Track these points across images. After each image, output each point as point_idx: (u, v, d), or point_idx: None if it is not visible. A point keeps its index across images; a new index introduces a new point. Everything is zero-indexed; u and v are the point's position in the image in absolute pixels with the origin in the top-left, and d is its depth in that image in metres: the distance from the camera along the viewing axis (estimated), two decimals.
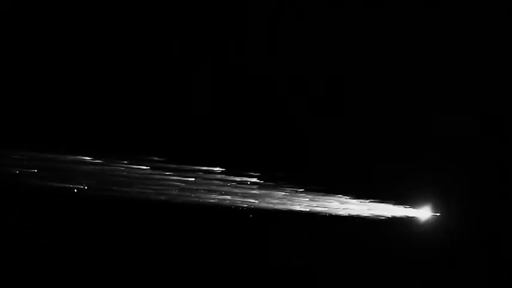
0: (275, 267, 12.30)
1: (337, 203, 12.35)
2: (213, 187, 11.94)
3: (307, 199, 12.25)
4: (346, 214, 12.40)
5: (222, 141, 12.16)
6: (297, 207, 12.25)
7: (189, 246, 12.04)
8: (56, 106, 11.73)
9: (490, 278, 12.78)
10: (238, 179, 11.98)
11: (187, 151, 11.89)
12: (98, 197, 11.41)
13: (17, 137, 11.23)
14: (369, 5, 12.62)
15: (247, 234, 12.21)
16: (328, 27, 12.57)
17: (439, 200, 12.65)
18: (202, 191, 11.91)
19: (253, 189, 12.07)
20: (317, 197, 12.26)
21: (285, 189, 12.18)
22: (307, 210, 12.28)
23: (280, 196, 12.20)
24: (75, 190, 11.37)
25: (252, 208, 12.13)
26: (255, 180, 12.02)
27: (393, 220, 12.59)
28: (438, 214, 12.64)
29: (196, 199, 11.88)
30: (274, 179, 12.08)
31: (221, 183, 11.97)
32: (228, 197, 12.03)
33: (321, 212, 12.32)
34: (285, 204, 12.21)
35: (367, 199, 12.46)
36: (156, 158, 11.65)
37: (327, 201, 12.32)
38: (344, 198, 12.36)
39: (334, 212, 12.34)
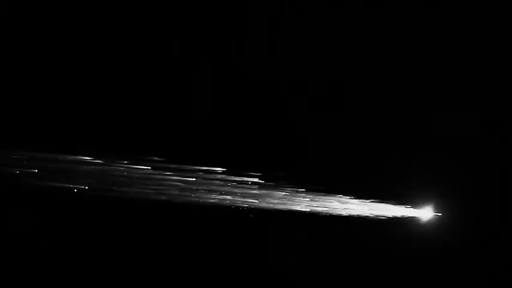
0: (275, 267, 12.29)
1: (337, 203, 12.34)
2: (214, 187, 11.93)
3: (308, 199, 12.24)
4: (347, 214, 12.39)
5: (222, 141, 12.15)
6: (298, 207, 12.24)
7: (189, 246, 12.03)
8: (56, 106, 11.71)
9: (490, 278, 12.78)
10: (238, 179, 11.97)
11: (187, 151, 11.88)
12: (98, 197, 11.40)
13: (17, 137, 11.21)
14: (368, 5, 12.63)
15: (248, 234, 12.20)
16: (328, 27, 12.57)
17: (440, 200, 12.66)
18: (203, 191, 11.90)
19: (254, 189, 12.06)
20: (317, 197, 12.25)
21: (286, 189, 12.17)
22: (308, 210, 12.27)
23: (280, 196, 12.18)
24: (75, 190, 11.36)
25: (252, 208, 12.12)
26: (255, 180, 12.01)
27: (394, 220, 12.59)
28: (439, 214, 12.64)
29: (197, 199, 11.87)
30: (274, 179, 12.07)
31: (221, 183, 11.95)
32: (229, 197, 12.01)
33: (322, 212, 12.31)
34: (285, 204, 12.20)
35: (368, 199, 12.45)
36: (156, 158, 11.63)
37: (328, 201, 12.31)
38: (344, 198, 12.36)
39: (334, 212, 12.33)
